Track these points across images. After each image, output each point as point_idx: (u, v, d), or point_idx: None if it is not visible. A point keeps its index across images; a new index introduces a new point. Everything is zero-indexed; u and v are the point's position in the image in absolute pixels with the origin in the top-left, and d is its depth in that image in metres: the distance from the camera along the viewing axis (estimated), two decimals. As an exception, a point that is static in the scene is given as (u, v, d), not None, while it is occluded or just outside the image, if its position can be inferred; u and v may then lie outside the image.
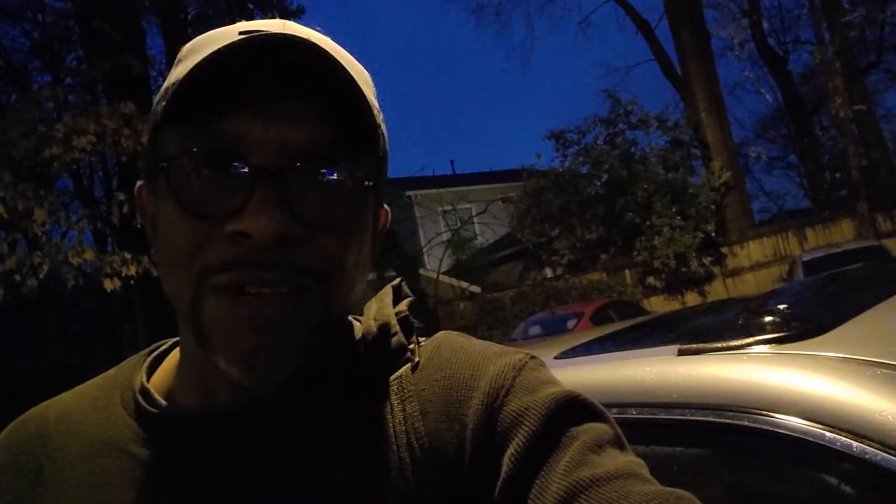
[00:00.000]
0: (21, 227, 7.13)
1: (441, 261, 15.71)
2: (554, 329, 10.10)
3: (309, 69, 0.52)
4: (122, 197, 7.53)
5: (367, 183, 0.57)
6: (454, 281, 16.03)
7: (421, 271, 15.88)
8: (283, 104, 0.52)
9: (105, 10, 10.05)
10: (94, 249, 8.13)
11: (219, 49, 0.50)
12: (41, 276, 7.16)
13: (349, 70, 0.53)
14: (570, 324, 10.20)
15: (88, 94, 11.83)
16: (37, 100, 8.31)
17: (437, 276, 15.34)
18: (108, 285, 7.45)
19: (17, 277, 7.08)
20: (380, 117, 0.59)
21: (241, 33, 0.55)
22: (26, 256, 7.14)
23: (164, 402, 0.61)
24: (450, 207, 17.55)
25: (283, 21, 0.59)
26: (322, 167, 0.54)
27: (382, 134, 0.59)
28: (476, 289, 15.74)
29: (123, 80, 8.93)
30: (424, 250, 18.24)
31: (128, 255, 7.43)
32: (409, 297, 0.67)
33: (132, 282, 7.61)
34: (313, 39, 0.55)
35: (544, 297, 13.91)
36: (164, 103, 0.53)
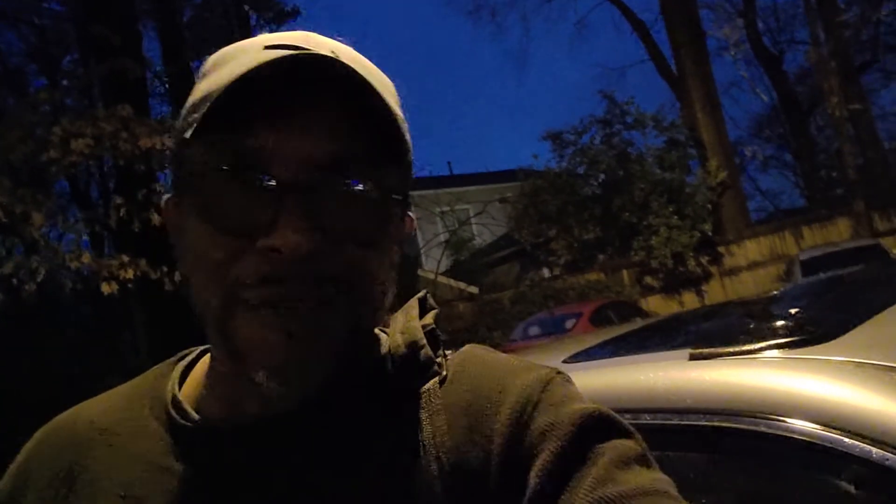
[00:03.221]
0: (19, 232, 7.10)
1: (439, 262, 15.69)
2: (553, 329, 10.12)
3: (337, 84, 0.52)
4: (119, 200, 7.51)
5: (395, 195, 0.57)
6: (452, 282, 16.03)
7: (419, 272, 15.87)
8: (310, 119, 0.53)
9: (102, 13, 10.01)
10: (92, 253, 8.10)
11: (255, 67, 0.50)
12: (39, 281, 7.13)
13: (376, 83, 0.54)
14: (569, 324, 10.22)
15: (85, 97, 11.80)
16: (33, 103, 8.27)
17: (436, 277, 15.33)
18: (106, 289, 7.41)
19: (15, 282, 7.05)
20: (405, 127, 0.59)
21: (266, 47, 0.55)
22: (24, 261, 7.11)
23: (195, 415, 0.61)
24: (447, 208, 17.54)
25: (306, 33, 0.59)
26: (350, 180, 0.54)
27: (408, 143, 0.59)
28: (474, 289, 15.74)
29: (120, 83, 8.90)
30: (422, 251, 18.21)
31: (125, 259, 7.40)
32: (435, 309, 0.67)
33: (129, 286, 7.58)
34: (337, 51, 0.55)
35: (543, 298, 13.92)
36: (195, 118, 0.53)
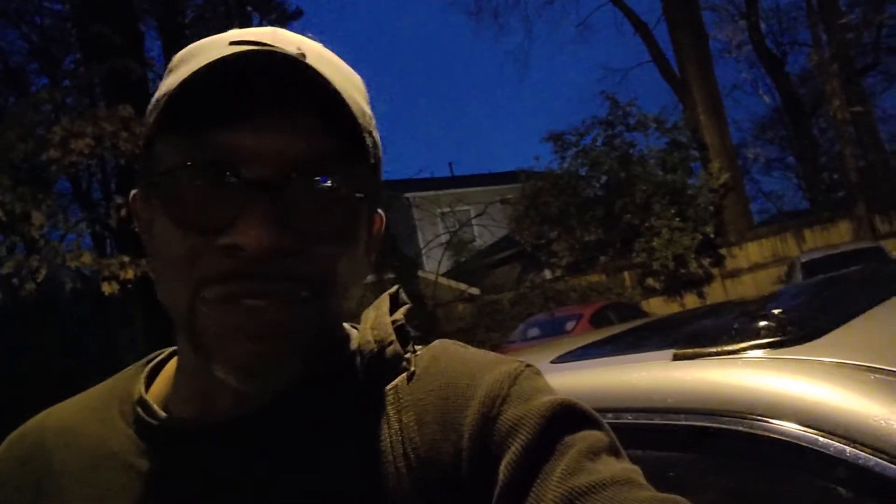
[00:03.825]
0: (19, 231, 7.12)
1: (440, 263, 15.70)
2: (553, 331, 10.11)
3: (300, 81, 0.52)
4: (120, 200, 7.53)
5: (358, 193, 0.56)
6: (453, 283, 16.04)
7: (420, 273, 15.88)
8: (275, 116, 0.52)
9: (103, 13, 10.04)
10: (93, 253, 8.12)
11: (210, 63, 0.50)
12: (39, 280, 7.15)
13: (340, 79, 0.54)
14: (569, 326, 10.21)
15: (86, 96, 11.84)
16: (34, 102, 8.30)
17: (436, 278, 15.34)
18: (107, 289, 7.44)
19: (16, 281, 7.07)
20: (372, 124, 0.59)
21: (231, 43, 0.55)
22: (24, 260, 7.13)
23: (162, 414, 0.61)
24: (448, 209, 17.58)
25: (273, 29, 0.59)
26: (315, 178, 0.53)
27: (374, 141, 0.59)
28: (475, 290, 15.75)
29: (122, 82, 8.93)
30: (423, 252, 18.24)
31: (126, 259, 7.42)
32: (406, 304, 0.67)
33: (130, 286, 7.60)
34: (304, 47, 0.55)
35: (543, 299, 13.93)
36: (155, 115, 0.53)
